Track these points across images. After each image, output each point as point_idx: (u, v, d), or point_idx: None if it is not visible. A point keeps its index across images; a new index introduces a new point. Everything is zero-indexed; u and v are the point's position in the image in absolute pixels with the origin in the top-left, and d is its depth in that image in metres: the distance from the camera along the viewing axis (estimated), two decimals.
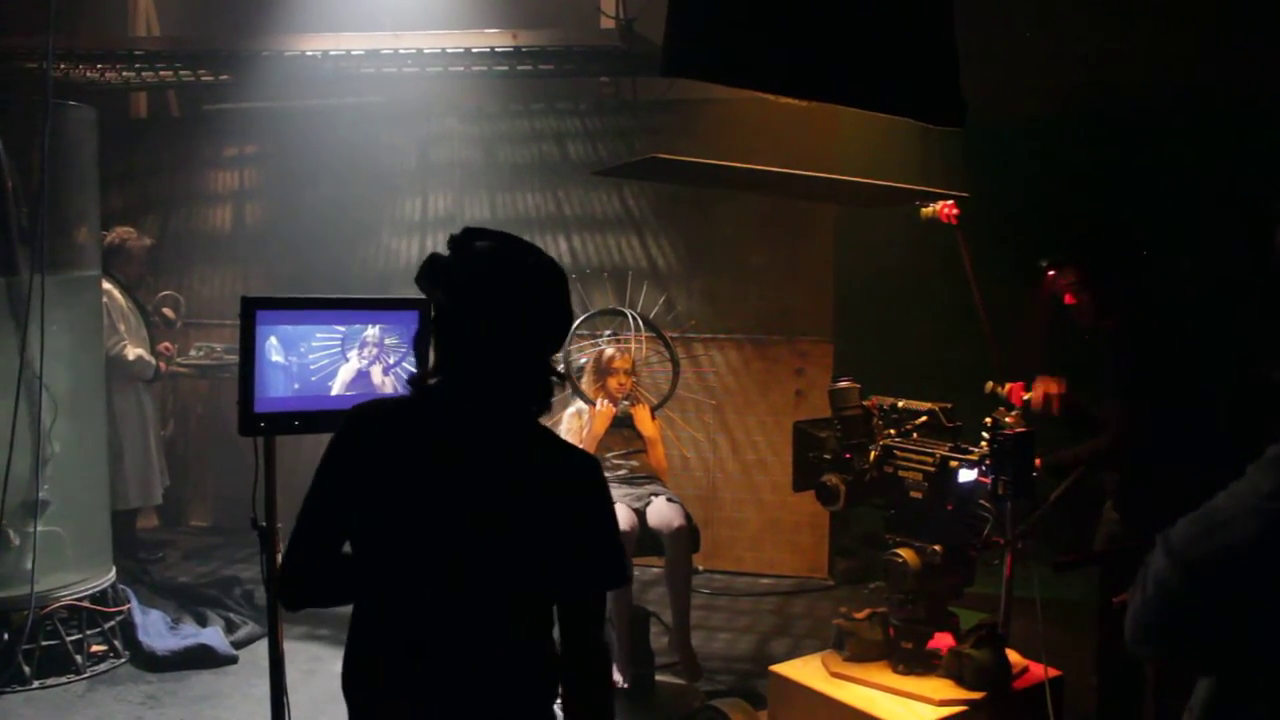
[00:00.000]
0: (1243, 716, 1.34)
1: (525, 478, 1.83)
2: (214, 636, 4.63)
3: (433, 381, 1.86)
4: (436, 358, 1.85)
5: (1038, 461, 3.43)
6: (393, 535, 1.80)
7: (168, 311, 6.26)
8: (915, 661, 3.34)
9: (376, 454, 1.81)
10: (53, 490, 4.47)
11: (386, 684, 1.82)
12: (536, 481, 1.83)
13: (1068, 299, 3.53)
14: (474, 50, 5.66)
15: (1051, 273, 3.54)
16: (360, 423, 1.85)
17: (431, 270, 1.85)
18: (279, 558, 2.66)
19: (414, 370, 2.68)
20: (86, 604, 4.50)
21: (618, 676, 4.03)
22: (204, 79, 6.59)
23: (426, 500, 1.80)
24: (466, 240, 1.84)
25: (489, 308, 1.81)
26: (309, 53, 5.82)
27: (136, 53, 6.19)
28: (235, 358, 2.95)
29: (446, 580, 1.79)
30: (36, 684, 4.28)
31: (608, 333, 4.70)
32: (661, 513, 4.11)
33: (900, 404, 3.50)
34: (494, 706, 1.83)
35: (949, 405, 3.46)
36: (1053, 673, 3.21)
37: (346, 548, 1.87)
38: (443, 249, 1.91)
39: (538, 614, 1.86)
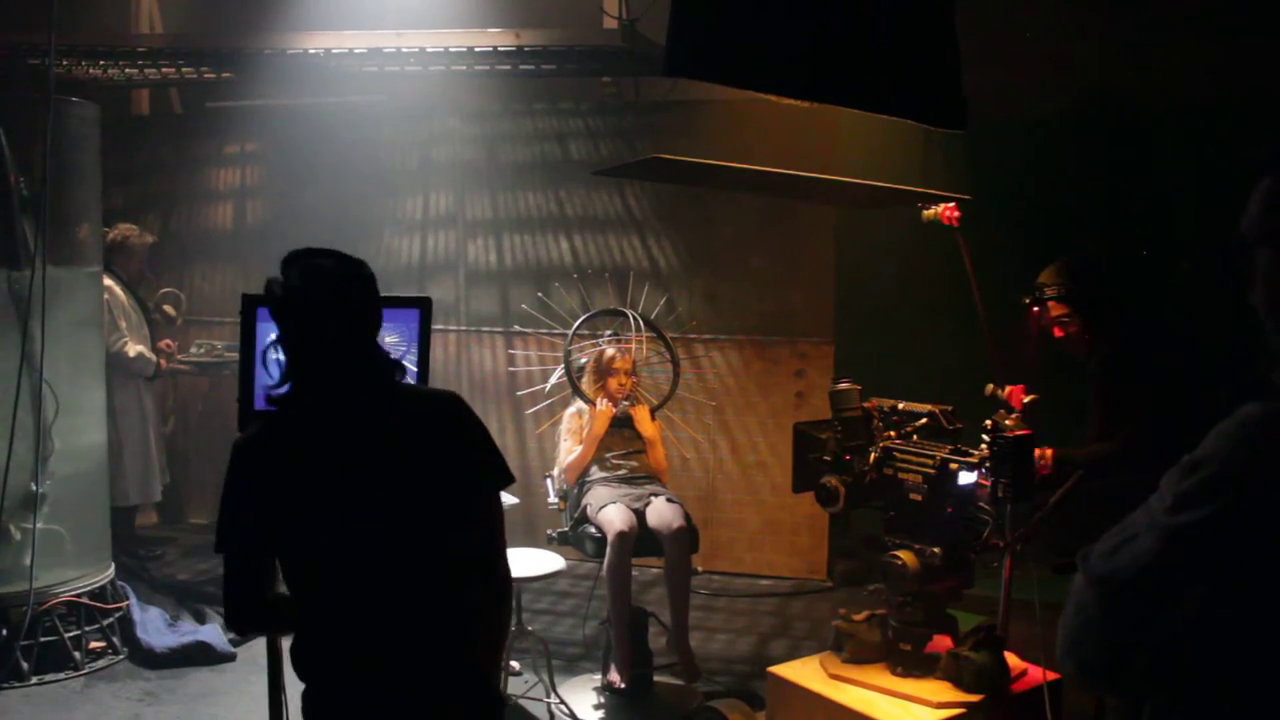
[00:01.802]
0: None
1: (402, 432, 2.08)
2: (212, 634, 4.64)
3: (285, 390, 2.08)
4: (285, 368, 2.09)
5: (1049, 452, 3.48)
6: (315, 529, 2.02)
7: (169, 309, 6.26)
8: (914, 664, 3.34)
9: (272, 471, 2.03)
10: (53, 486, 4.47)
11: (344, 657, 2.03)
12: (412, 430, 2.09)
13: (1057, 332, 3.60)
14: (476, 49, 5.66)
15: (1035, 309, 3.58)
16: (246, 452, 2.05)
17: (267, 297, 2.09)
18: None
19: (414, 368, 2.72)
20: (85, 600, 4.50)
21: (615, 676, 4.03)
22: (206, 76, 6.60)
23: (334, 487, 2.01)
24: (287, 266, 2.06)
25: (315, 321, 2.05)
26: (311, 51, 5.82)
27: (139, 50, 6.19)
28: (236, 355, 2.96)
29: (373, 545, 2.02)
30: (35, 680, 4.28)
31: (608, 333, 4.70)
32: (661, 513, 4.11)
33: (900, 406, 3.51)
34: (441, 641, 2.06)
35: (949, 407, 3.46)
36: (1051, 675, 3.21)
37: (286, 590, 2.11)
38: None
39: (455, 541, 2.09)
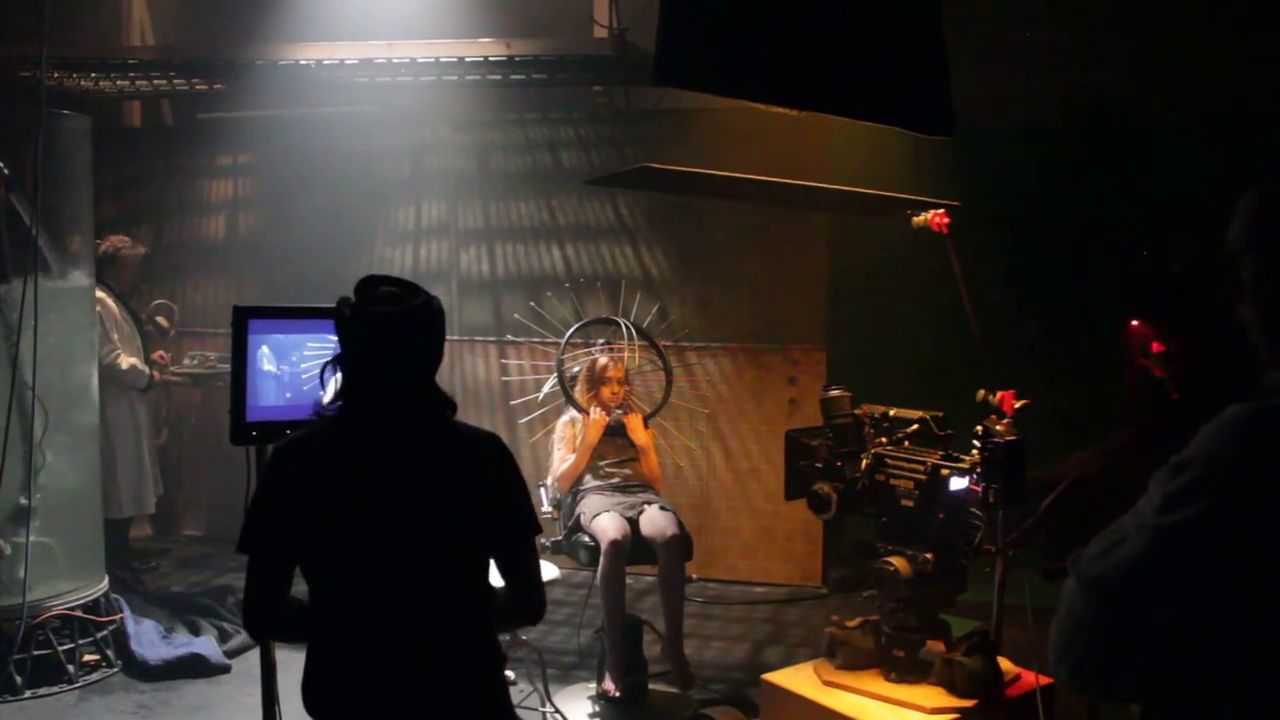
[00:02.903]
0: None
1: (444, 466, 2.11)
2: (207, 646, 4.62)
3: (335, 408, 2.11)
4: (342, 387, 2.11)
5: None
6: (343, 547, 2.03)
7: (161, 320, 6.26)
8: (907, 669, 3.35)
9: (311, 481, 2.04)
10: (45, 499, 4.46)
11: (360, 683, 2.03)
12: (454, 466, 2.12)
13: (1155, 347, 3.65)
14: (467, 59, 5.67)
15: (1135, 323, 3.66)
16: (288, 457, 2.07)
17: (335, 315, 2.11)
18: None
19: None
20: (79, 613, 4.48)
21: (610, 685, 4.03)
22: (198, 88, 6.60)
23: (367, 509, 2.03)
24: (362, 292, 2.09)
25: (378, 348, 2.07)
26: (303, 61, 5.83)
27: (130, 61, 6.19)
28: (228, 366, 2.96)
29: (395, 572, 2.04)
30: (28, 694, 4.26)
31: (601, 341, 4.71)
32: (655, 521, 4.11)
33: (892, 412, 3.52)
34: (456, 666, 2.09)
35: (940, 413, 3.48)
36: (1044, 680, 3.22)
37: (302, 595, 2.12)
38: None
39: (478, 572, 2.15)
